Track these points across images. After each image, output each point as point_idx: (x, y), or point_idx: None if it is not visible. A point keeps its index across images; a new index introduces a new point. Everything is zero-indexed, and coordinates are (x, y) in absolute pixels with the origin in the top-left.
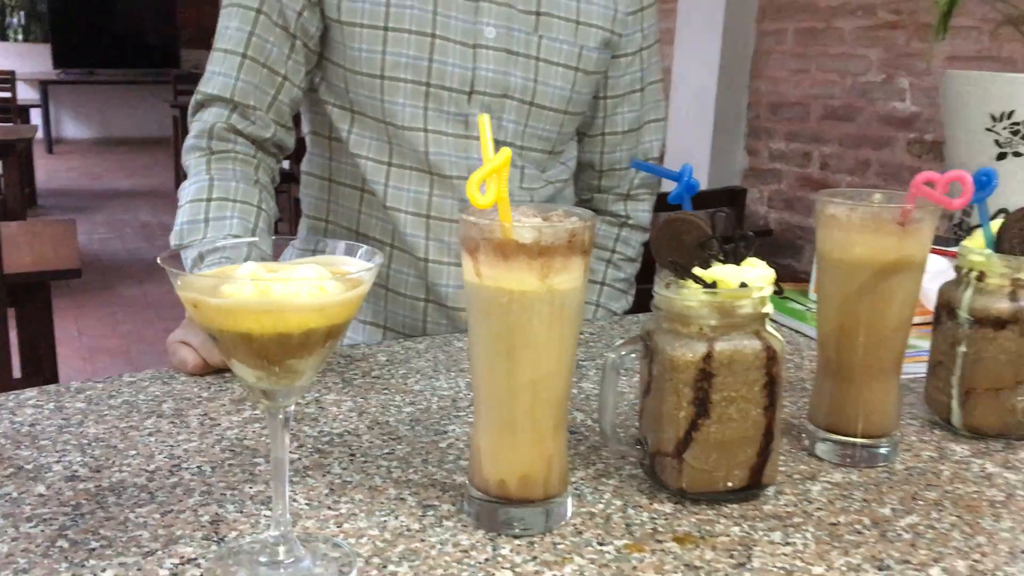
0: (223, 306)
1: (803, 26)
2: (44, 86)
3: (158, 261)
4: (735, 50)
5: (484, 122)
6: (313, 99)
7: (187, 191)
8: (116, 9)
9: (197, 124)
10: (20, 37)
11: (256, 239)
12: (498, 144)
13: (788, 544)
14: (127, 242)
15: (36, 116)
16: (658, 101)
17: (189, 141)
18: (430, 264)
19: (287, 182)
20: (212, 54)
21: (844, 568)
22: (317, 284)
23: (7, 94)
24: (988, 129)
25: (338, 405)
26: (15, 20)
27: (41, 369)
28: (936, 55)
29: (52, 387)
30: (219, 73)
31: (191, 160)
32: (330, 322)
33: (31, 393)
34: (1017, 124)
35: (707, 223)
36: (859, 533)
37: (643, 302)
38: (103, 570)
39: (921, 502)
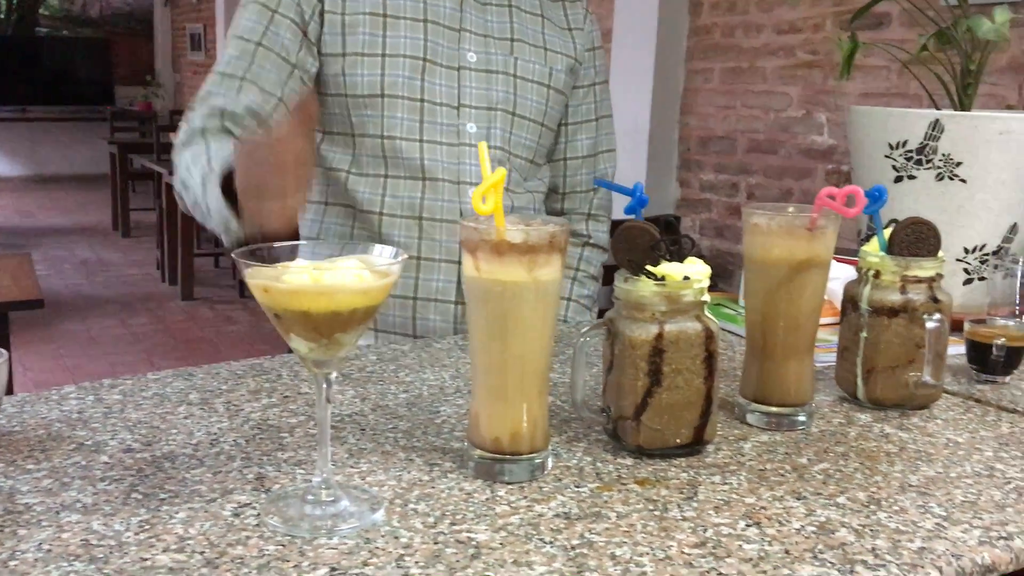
0: (289, 289)
1: (728, 66)
2: None
3: (232, 255)
4: (666, 88)
5: (483, 149)
6: None
7: (183, 157)
8: (49, 47)
9: (185, 127)
10: None
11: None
12: (490, 149)
13: (726, 484)
14: (66, 278)
15: None
16: (610, 133)
17: (181, 137)
18: (423, 262)
19: None
20: (210, 76)
21: (770, 499)
22: (358, 272)
23: None
24: (886, 156)
25: (342, 393)
26: None
27: None
28: (850, 92)
29: (87, 383)
30: (217, 95)
31: (183, 152)
32: (370, 303)
33: (70, 388)
34: (911, 151)
35: (656, 229)
36: (782, 476)
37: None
38: (176, 513)
39: (831, 454)
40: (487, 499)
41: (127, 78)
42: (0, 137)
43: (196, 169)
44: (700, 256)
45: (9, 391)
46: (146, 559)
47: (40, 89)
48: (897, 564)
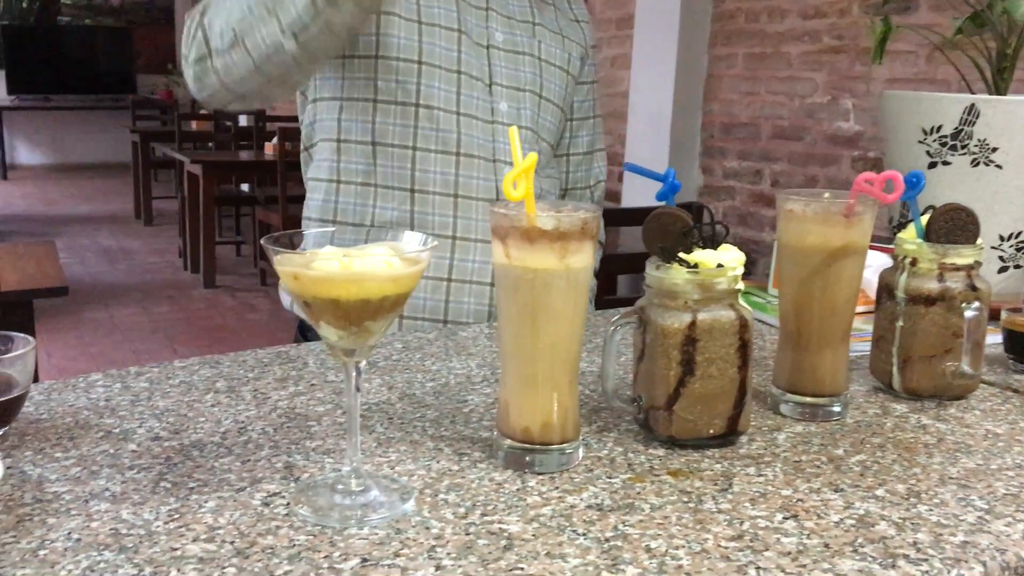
0: (320, 276)
1: (753, 51)
2: None
3: (262, 242)
4: (689, 74)
5: (514, 133)
6: (318, 107)
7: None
8: (71, 36)
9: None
10: None
11: None
12: (520, 130)
13: (761, 476)
14: (89, 266)
15: None
16: (602, 134)
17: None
18: (458, 241)
19: (249, 204)
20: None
21: (807, 491)
22: (387, 260)
23: None
24: (920, 142)
25: (369, 382)
26: None
27: None
28: (877, 78)
29: (114, 371)
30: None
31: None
32: (400, 290)
33: (97, 376)
34: (945, 137)
35: (688, 216)
36: (818, 467)
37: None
38: (206, 502)
39: (868, 445)
40: (518, 489)
41: (148, 67)
42: (24, 126)
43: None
44: (733, 243)
45: (35, 378)
46: (176, 549)
47: (63, 78)
48: (940, 558)
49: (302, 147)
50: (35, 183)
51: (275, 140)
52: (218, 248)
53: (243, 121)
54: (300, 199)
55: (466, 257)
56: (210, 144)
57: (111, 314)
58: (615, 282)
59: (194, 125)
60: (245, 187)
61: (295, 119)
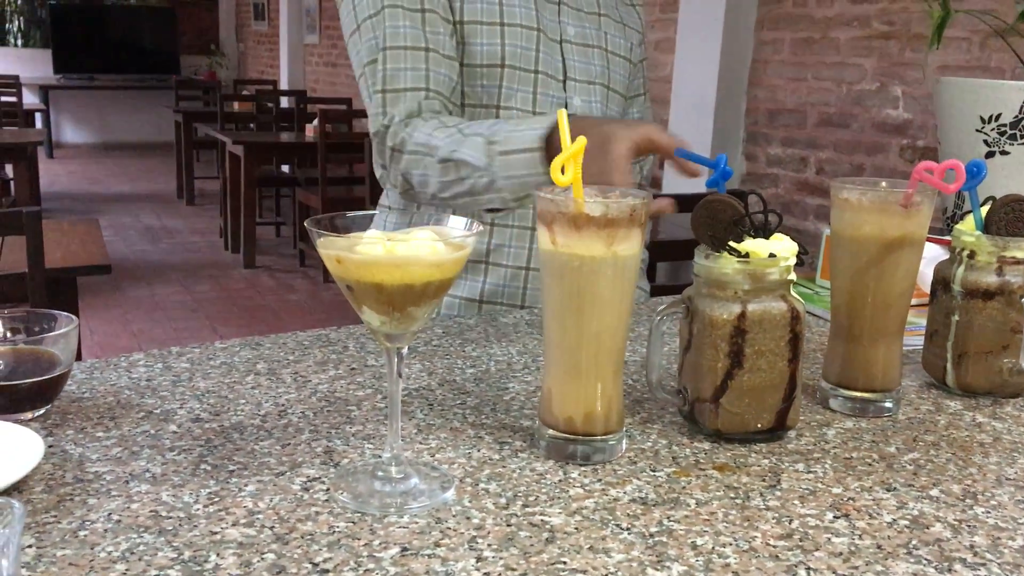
0: (363, 260)
1: (800, 36)
2: (45, 91)
3: (305, 224)
4: (734, 58)
5: (562, 117)
6: None
7: (435, 138)
8: (116, 16)
9: (396, 115)
10: (19, 43)
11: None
12: None
13: (810, 472)
14: (131, 244)
15: (37, 121)
16: (651, 109)
17: (395, 129)
18: (535, 233)
19: (289, 185)
20: (385, 54)
21: (859, 489)
22: (432, 245)
23: (13, 99)
24: (978, 130)
25: (409, 367)
26: (15, 26)
27: None
28: (929, 64)
29: (156, 351)
30: (406, 69)
31: (415, 133)
32: (444, 276)
33: (139, 356)
34: (1004, 126)
35: (740, 204)
36: (869, 465)
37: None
38: (245, 485)
39: (921, 443)
40: (560, 481)
41: (192, 47)
42: (69, 105)
43: (471, 138)
44: (786, 232)
45: (78, 356)
46: (216, 533)
47: (107, 58)
48: (998, 563)
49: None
50: (80, 161)
51: (315, 122)
52: (258, 228)
53: (284, 103)
54: (340, 181)
55: None
56: (252, 125)
57: (153, 292)
58: (655, 269)
59: (236, 106)
60: (286, 168)
61: (336, 101)
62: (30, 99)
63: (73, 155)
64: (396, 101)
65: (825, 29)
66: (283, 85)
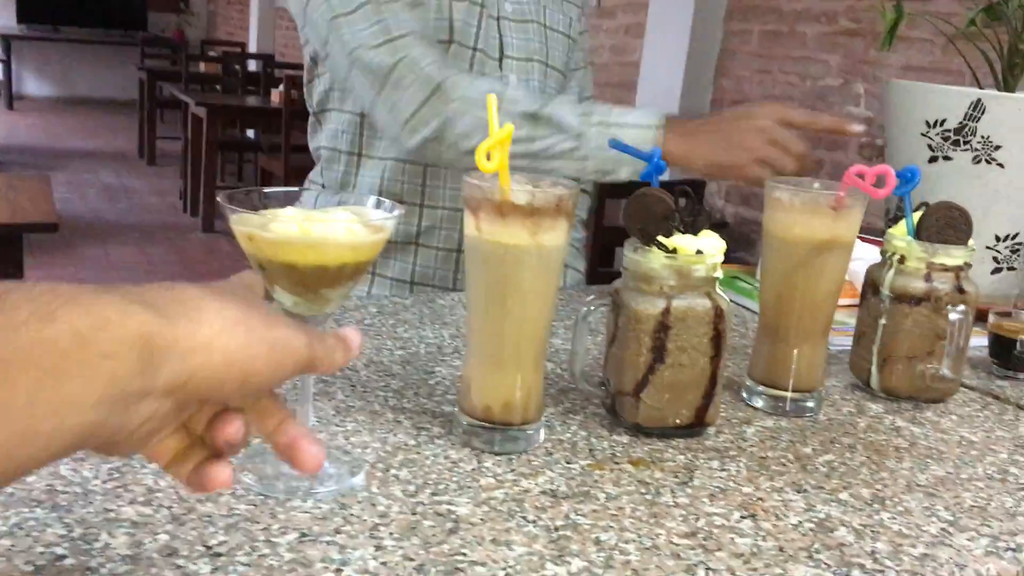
0: (274, 239)
1: (768, 28)
2: (7, 41)
3: (218, 199)
4: (702, 47)
5: (492, 102)
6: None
7: (512, 89)
8: None
9: (418, 56)
10: None
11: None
12: None
13: (724, 470)
14: (89, 202)
15: None
16: (591, 83)
17: (430, 71)
18: (460, 215)
19: (253, 150)
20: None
21: (769, 489)
22: (349, 226)
23: None
24: (923, 134)
25: None
26: None
27: None
28: (892, 64)
29: None
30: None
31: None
32: (359, 259)
33: None
34: (948, 131)
35: (671, 199)
36: (783, 465)
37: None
38: (148, 463)
39: (838, 445)
40: (472, 470)
41: (160, 4)
42: (31, 56)
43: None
44: (721, 226)
45: None
46: (110, 510)
47: (73, 9)
48: (896, 570)
49: (311, 111)
50: (40, 115)
51: (281, 87)
52: (219, 192)
53: (252, 66)
54: (304, 148)
55: None
56: (217, 87)
57: (107, 252)
58: (612, 255)
59: (203, 67)
60: (251, 133)
61: (302, 67)
62: None
63: (33, 108)
64: (411, 44)
65: (793, 23)
66: (252, 48)
